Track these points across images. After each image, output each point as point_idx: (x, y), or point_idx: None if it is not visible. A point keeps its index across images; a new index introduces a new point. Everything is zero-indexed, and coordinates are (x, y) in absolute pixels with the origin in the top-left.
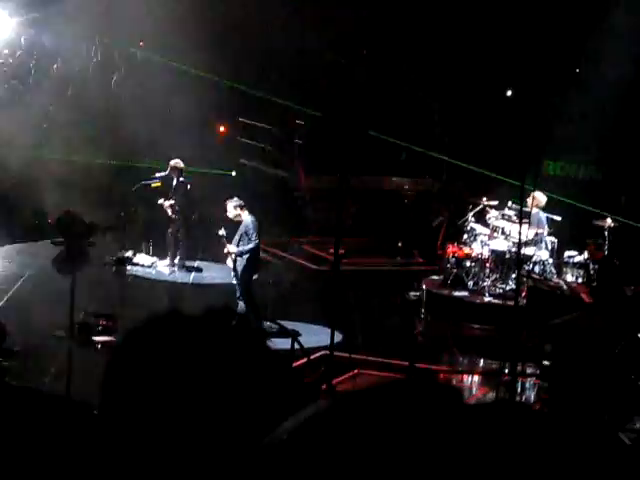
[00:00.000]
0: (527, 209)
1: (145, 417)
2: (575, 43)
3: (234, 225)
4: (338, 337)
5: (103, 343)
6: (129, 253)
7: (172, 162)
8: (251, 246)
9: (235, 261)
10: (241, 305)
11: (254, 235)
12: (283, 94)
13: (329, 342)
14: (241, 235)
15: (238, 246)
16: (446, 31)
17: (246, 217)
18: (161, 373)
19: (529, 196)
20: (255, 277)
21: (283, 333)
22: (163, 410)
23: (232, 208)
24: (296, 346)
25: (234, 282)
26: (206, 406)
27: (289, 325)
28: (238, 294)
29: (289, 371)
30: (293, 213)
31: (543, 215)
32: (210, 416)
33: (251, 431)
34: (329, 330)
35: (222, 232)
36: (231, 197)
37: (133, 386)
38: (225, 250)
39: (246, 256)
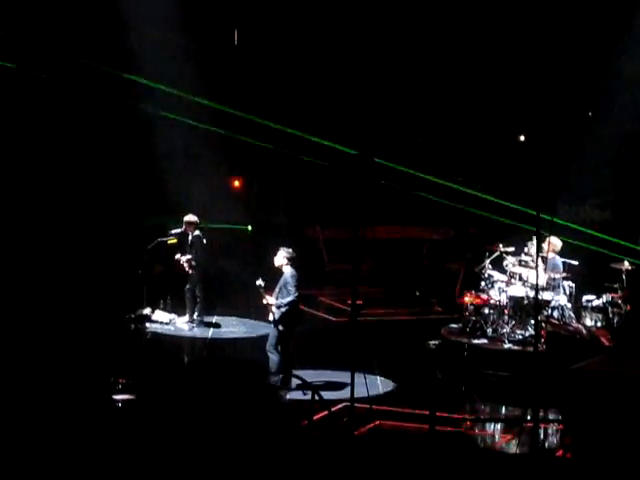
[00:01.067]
0: (543, 254)
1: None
2: (587, 87)
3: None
4: (362, 388)
5: (123, 402)
6: (147, 310)
7: (186, 218)
8: (289, 299)
9: (273, 313)
10: (271, 359)
11: (293, 289)
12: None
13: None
14: (280, 288)
15: (277, 298)
16: (459, 81)
17: (287, 270)
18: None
19: (544, 242)
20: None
21: (304, 386)
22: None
23: (281, 257)
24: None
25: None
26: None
27: (315, 375)
28: (268, 346)
29: (298, 424)
30: (312, 265)
31: (559, 260)
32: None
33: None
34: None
35: (260, 282)
36: (287, 246)
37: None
38: (264, 301)
39: (284, 309)
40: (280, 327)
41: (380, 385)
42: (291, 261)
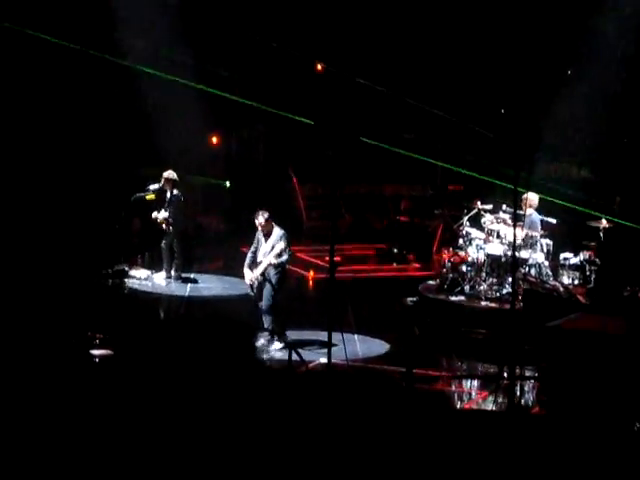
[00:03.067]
0: (521, 212)
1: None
2: (566, 44)
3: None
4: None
5: (101, 356)
6: (125, 266)
7: (165, 174)
8: (285, 258)
9: (263, 274)
10: (267, 319)
11: (287, 247)
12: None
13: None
14: (273, 246)
15: (270, 256)
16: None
17: (276, 230)
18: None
19: (521, 198)
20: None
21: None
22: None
23: (263, 219)
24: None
25: (250, 293)
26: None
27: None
28: (265, 308)
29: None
30: (290, 221)
31: (537, 217)
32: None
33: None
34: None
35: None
36: (262, 208)
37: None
38: (266, 261)
39: (279, 269)
40: (277, 286)
41: (358, 344)
42: (274, 221)
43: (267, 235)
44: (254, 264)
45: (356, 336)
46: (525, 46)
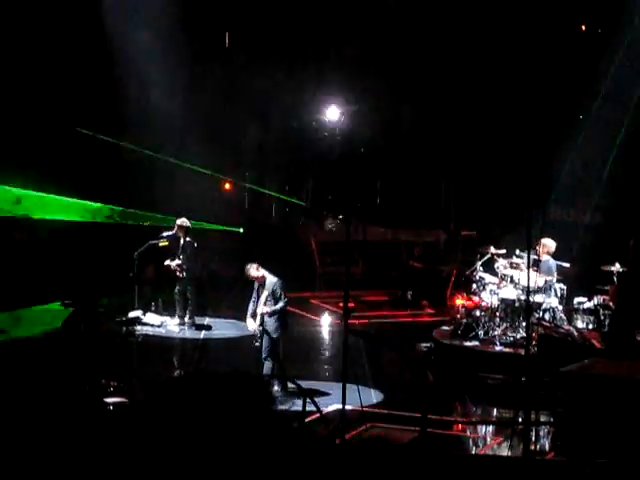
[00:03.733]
0: (535, 256)
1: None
2: (577, 89)
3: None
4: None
5: (115, 404)
6: (139, 313)
7: (178, 221)
8: (282, 305)
9: (262, 322)
10: (267, 365)
11: (282, 294)
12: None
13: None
14: (267, 295)
15: (265, 306)
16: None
17: (270, 278)
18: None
19: (537, 243)
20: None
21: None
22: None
23: (254, 270)
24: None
25: (256, 344)
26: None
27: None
28: (265, 355)
29: (296, 434)
30: (303, 268)
31: (553, 262)
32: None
33: None
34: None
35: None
36: (250, 262)
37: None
38: (258, 310)
39: (276, 316)
40: (276, 334)
41: (373, 394)
42: (266, 270)
43: (262, 285)
44: (255, 314)
45: (369, 384)
46: (537, 91)
